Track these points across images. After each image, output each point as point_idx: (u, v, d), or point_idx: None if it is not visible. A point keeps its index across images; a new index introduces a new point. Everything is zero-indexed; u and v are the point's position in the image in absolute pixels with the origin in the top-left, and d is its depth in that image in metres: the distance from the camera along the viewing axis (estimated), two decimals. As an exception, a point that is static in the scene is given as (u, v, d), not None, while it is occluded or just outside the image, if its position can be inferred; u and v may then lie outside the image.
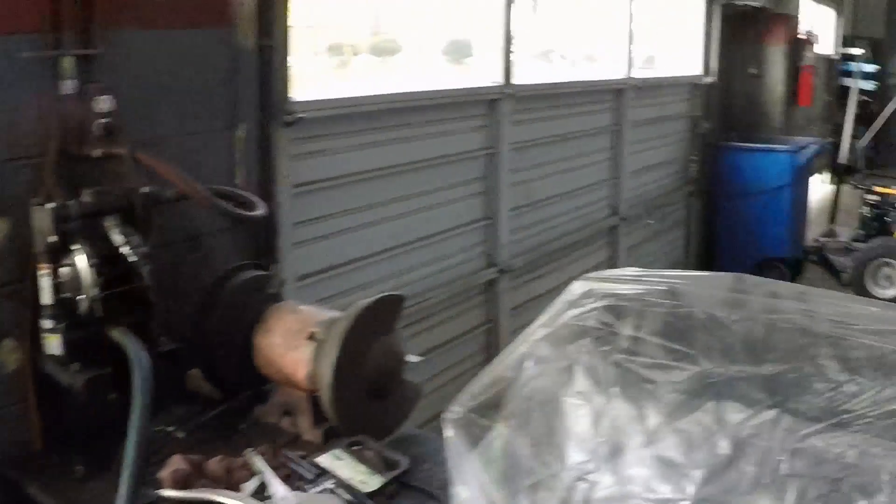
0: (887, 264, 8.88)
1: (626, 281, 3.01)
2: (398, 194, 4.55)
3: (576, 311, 2.86)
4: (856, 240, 9.91)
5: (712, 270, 8.55)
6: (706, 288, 3.06)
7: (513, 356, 2.80)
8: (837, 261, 9.80)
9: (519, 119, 5.42)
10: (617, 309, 2.88)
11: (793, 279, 9.18)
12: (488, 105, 5.17)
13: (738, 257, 8.73)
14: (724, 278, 3.15)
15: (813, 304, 3.01)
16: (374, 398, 2.78)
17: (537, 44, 7.11)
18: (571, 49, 7.42)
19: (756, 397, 2.67)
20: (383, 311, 2.86)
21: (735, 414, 2.65)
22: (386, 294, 2.90)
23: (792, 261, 9.27)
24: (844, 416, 2.60)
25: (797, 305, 2.96)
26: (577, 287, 2.98)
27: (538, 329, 2.84)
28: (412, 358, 3.05)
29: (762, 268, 8.78)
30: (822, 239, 10.54)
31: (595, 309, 2.86)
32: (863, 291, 8.83)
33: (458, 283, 5.04)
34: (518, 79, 5.41)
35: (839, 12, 15.02)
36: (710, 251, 9.10)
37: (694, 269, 8.22)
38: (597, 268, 6.66)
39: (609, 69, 6.90)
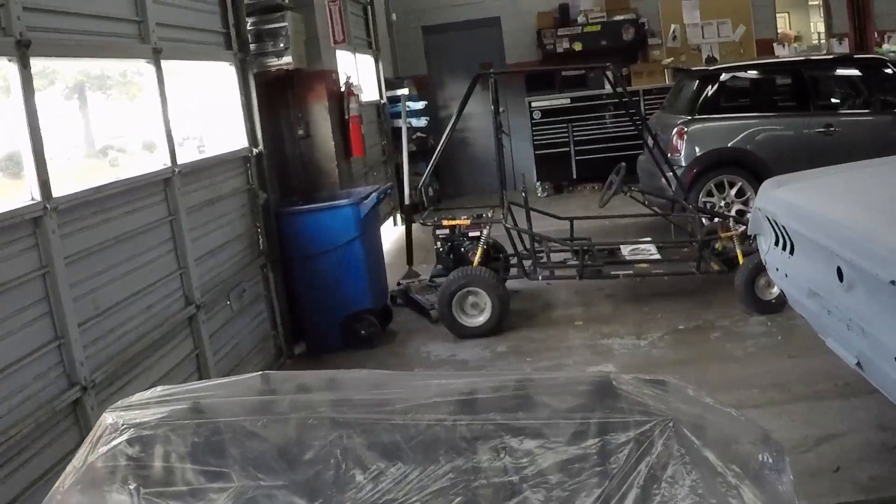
0: (472, 293, 9.43)
1: (152, 404, 3.15)
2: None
3: (103, 449, 3.00)
4: (436, 276, 10.64)
5: (304, 335, 8.90)
6: (231, 395, 3.24)
7: (47, 511, 2.89)
8: (424, 300, 10.50)
9: (68, 231, 5.43)
10: (143, 439, 3.03)
11: (384, 327, 9.73)
12: (32, 223, 5.12)
13: (324, 318, 9.20)
14: (248, 381, 3.34)
15: (343, 390, 3.26)
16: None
17: (95, 141, 7.11)
18: (130, 140, 7.44)
19: (296, 504, 2.90)
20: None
21: (276, 527, 2.85)
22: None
23: (379, 310, 9.75)
24: (391, 506, 2.87)
25: (326, 396, 3.19)
26: (107, 419, 3.11)
27: (67, 476, 2.96)
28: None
29: (351, 322, 9.27)
30: (403, 281, 11.23)
31: (121, 443, 3.00)
32: (454, 324, 9.45)
33: (42, 412, 4.99)
34: (63, 189, 5.40)
35: (377, 58, 15.97)
36: (296, 317, 9.37)
37: (284, 339, 8.56)
38: (183, 363, 6.81)
39: (159, 158, 7.00)
